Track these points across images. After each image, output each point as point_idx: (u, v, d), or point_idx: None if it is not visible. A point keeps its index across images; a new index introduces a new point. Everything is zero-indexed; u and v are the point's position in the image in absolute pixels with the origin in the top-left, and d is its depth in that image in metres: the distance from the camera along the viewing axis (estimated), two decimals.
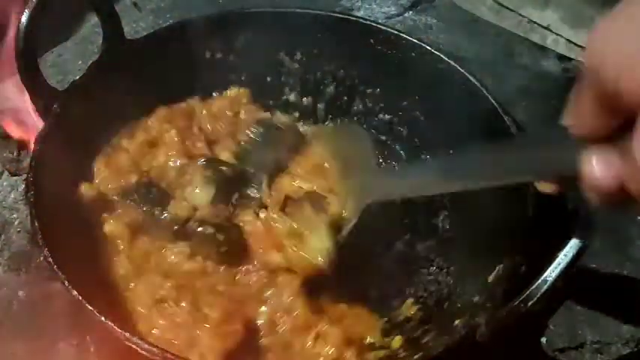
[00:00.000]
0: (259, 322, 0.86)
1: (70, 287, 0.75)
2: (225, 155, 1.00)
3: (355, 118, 1.12)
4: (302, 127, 1.11)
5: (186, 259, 0.89)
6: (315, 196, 0.89)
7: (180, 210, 0.93)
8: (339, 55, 1.09)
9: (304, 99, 1.13)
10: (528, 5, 1.40)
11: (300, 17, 1.07)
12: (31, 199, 0.83)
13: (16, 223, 1.06)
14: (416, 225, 1.03)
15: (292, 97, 1.13)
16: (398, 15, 1.44)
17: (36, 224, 0.81)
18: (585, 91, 0.50)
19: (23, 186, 1.08)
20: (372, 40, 1.06)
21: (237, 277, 0.89)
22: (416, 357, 0.73)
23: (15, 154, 1.12)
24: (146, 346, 0.72)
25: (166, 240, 0.91)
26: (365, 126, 1.11)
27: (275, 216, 0.88)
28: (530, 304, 0.69)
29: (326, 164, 0.93)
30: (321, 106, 1.13)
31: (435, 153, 1.05)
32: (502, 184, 0.69)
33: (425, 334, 0.85)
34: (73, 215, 0.90)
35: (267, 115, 1.10)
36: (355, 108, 1.13)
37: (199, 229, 0.90)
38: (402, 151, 1.10)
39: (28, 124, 1.08)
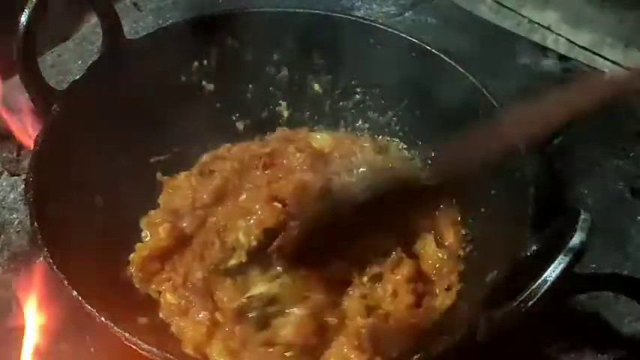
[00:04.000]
0: None
1: (70, 287, 0.75)
2: None
3: (355, 118, 1.13)
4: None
5: None
6: None
7: None
8: (338, 55, 1.09)
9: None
10: (528, 5, 1.41)
11: (301, 17, 1.07)
12: (31, 199, 0.83)
13: (16, 223, 1.06)
14: None
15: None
16: (398, 15, 1.44)
17: (36, 224, 0.81)
18: None
19: (23, 186, 1.08)
20: (372, 40, 1.06)
21: None
22: (416, 357, 0.73)
23: (15, 154, 1.12)
24: (146, 346, 0.72)
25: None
26: (365, 125, 1.12)
27: None
28: (530, 304, 0.68)
29: None
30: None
31: (434, 152, 1.05)
32: None
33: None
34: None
35: None
36: (355, 108, 1.13)
37: None
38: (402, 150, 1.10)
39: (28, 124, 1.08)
